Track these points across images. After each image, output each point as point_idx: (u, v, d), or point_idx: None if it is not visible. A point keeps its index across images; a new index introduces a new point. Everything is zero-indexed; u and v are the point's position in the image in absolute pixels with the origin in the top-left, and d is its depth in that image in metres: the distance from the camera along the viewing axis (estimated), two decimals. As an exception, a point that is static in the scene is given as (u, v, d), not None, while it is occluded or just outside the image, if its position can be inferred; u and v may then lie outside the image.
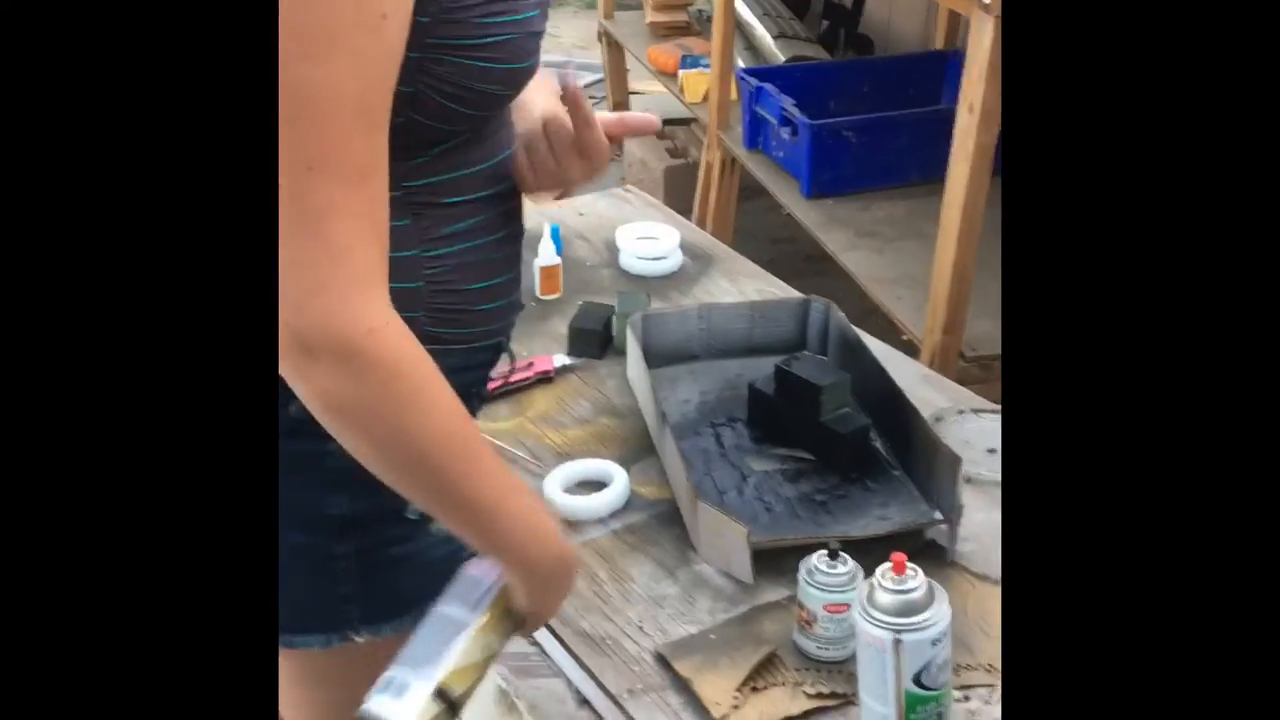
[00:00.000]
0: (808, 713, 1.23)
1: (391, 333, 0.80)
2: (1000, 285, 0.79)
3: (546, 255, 1.94)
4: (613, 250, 2.10)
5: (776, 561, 1.39)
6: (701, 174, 3.30)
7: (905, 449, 1.55)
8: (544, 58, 0.97)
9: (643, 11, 3.97)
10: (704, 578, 1.41)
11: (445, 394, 0.84)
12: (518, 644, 1.37)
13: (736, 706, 1.22)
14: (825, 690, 1.25)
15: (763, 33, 3.43)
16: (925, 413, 1.56)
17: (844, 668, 1.27)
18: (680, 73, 3.46)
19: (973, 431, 1.64)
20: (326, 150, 0.75)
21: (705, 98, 3.28)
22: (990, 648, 1.29)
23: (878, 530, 1.42)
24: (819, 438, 1.56)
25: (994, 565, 1.40)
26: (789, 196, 2.84)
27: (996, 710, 1.23)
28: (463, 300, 0.93)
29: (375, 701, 0.94)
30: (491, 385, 1.12)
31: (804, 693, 1.25)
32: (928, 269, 2.25)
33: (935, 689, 1.17)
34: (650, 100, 4.16)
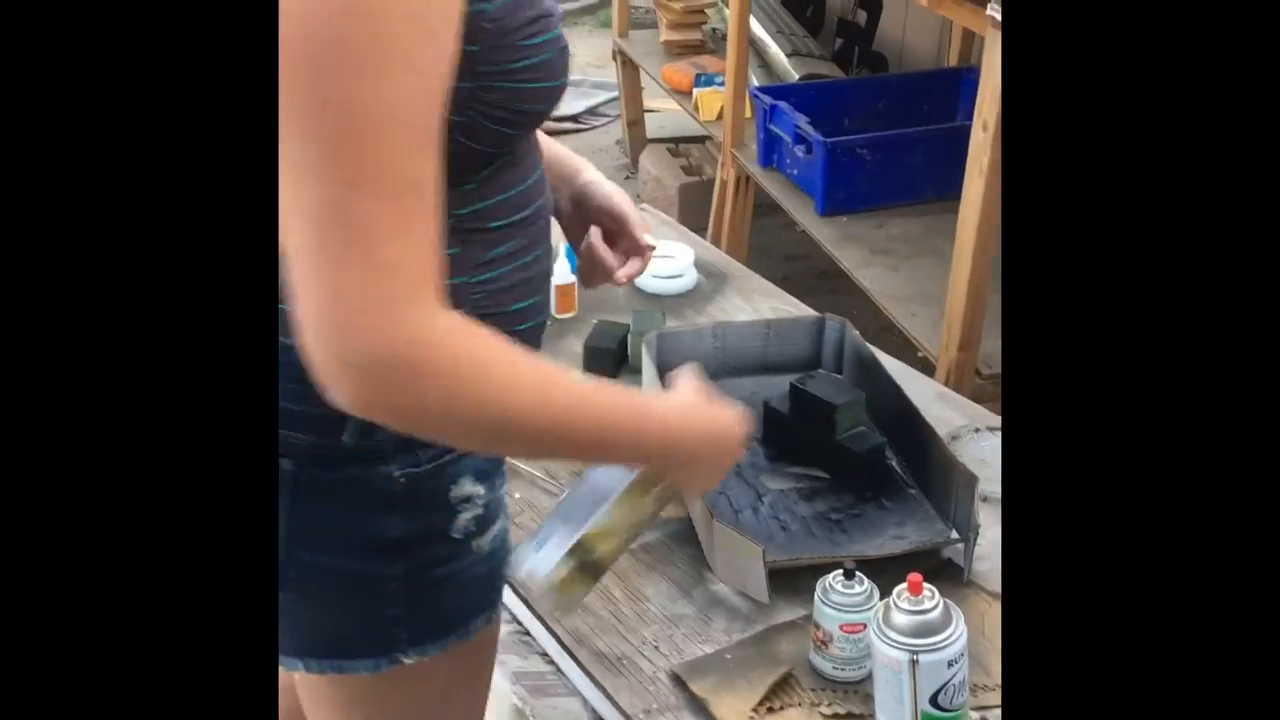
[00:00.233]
0: (824, 733, 1.23)
1: (444, 338, 0.78)
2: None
3: (562, 274, 1.95)
4: (628, 269, 2.10)
5: (792, 581, 1.38)
6: (716, 192, 3.30)
7: (921, 467, 1.54)
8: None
9: (657, 30, 3.98)
10: (720, 597, 1.41)
11: (516, 372, 0.82)
12: (533, 663, 1.37)
13: (752, 727, 1.22)
14: (841, 711, 1.24)
15: (777, 51, 3.44)
16: (941, 431, 1.56)
17: (860, 688, 1.26)
18: (695, 91, 3.47)
19: (989, 450, 1.64)
20: (377, 167, 0.74)
21: (720, 116, 3.28)
22: (1007, 668, 1.28)
23: (894, 550, 1.41)
24: (834, 456, 1.56)
25: (1011, 584, 1.39)
26: (803, 214, 2.84)
27: (1014, 731, 1.22)
28: (501, 323, 0.93)
29: (519, 551, 0.98)
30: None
31: (820, 713, 1.24)
32: (943, 286, 2.25)
33: (952, 710, 1.17)
34: (665, 118, 4.17)
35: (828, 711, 1.24)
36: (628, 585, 1.43)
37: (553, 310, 1.94)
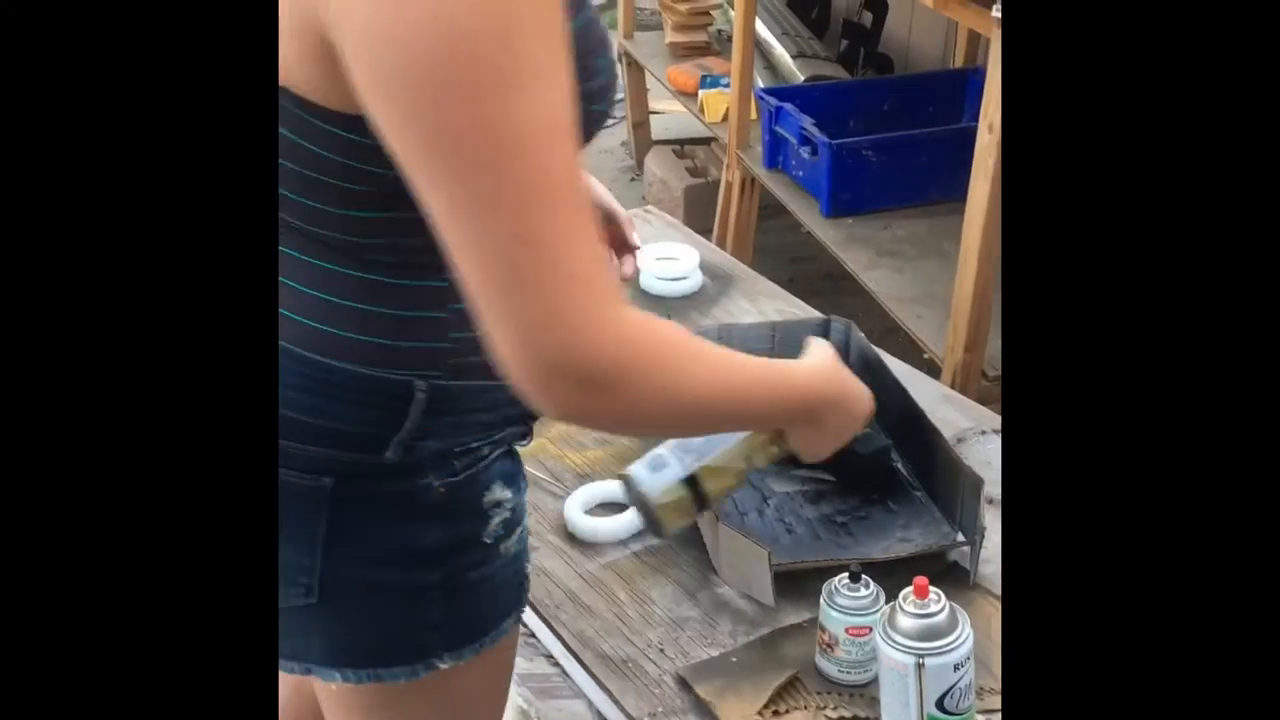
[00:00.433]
0: (830, 736, 1.22)
1: (642, 335, 0.79)
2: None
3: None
4: (633, 271, 2.10)
5: (798, 584, 1.38)
6: (721, 193, 3.30)
7: (927, 470, 1.54)
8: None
9: (662, 32, 3.98)
10: (725, 600, 1.41)
11: (700, 355, 0.86)
12: (538, 665, 1.37)
13: (758, 730, 1.22)
14: (847, 714, 1.24)
15: (782, 52, 3.43)
16: (947, 433, 1.56)
17: (866, 691, 1.26)
18: (700, 92, 3.46)
19: (995, 452, 1.64)
20: (547, 181, 0.73)
21: (725, 117, 3.28)
22: (1014, 671, 1.28)
23: (900, 552, 1.41)
24: (840, 458, 1.55)
25: (1017, 587, 1.39)
26: (809, 216, 2.84)
27: (1020, 734, 1.22)
28: None
29: (634, 469, 1.05)
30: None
31: (826, 716, 1.24)
32: (949, 288, 2.25)
33: (958, 713, 1.16)
34: (670, 120, 4.16)
35: (833, 715, 1.24)
36: (633, 588, 1.43)
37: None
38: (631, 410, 0.80)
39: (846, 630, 1.26)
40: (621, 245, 1.21)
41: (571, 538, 1.51)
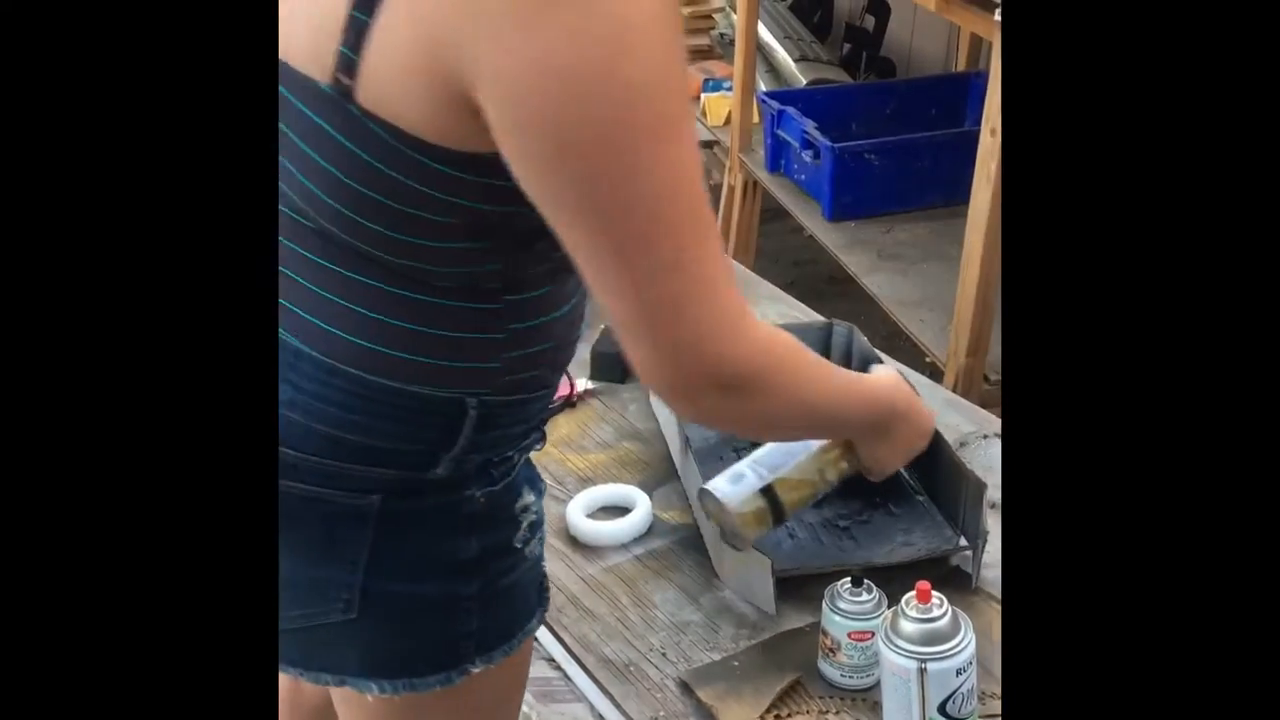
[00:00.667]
0: (832, 741, 1.22)
1: (773, 344, 0.88)
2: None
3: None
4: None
5: (800, 588, 1.38)
6: (723, 197, 3.30)
7: (929, 474, 1.54)
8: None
9: (665, 35, 3.98)
10: (727, 604, 1.40)
11: (809, 361, 0.93)
12: (540, 669, 1.37)
13: (760, 735, 1.22)
14: (849, 718, 1.24)
15: (784, 56, 3.43)
16: (949, 437, 1.56)
17: (868, 696, 1.26)
18: (702, 96, 3.47)
19: (997, 456, 1.63)
20: (694, 216, 0.80)
21: (727, 121, 3.28)
22: (1016, 676, 1.28)
23: (902, 557, 1.41)
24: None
25: (1019, 592, 1.39)
26: (811, 219, 2.84)
27: (1023, 739, 1.22)
28: (569, 341, 0.98)
29: (714, 483, 1.11)
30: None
31: (828, 721, 1.24)
32: (951, 292, 2.25)
33: (960, 718, 1.16)
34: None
35: (836, 719, 1.24)
36: (635, 592, 1.43)
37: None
38: (765, 409, 0.89)
39: (849, 635, 1.25)
40: None
41: (574, 541, 1.51)
